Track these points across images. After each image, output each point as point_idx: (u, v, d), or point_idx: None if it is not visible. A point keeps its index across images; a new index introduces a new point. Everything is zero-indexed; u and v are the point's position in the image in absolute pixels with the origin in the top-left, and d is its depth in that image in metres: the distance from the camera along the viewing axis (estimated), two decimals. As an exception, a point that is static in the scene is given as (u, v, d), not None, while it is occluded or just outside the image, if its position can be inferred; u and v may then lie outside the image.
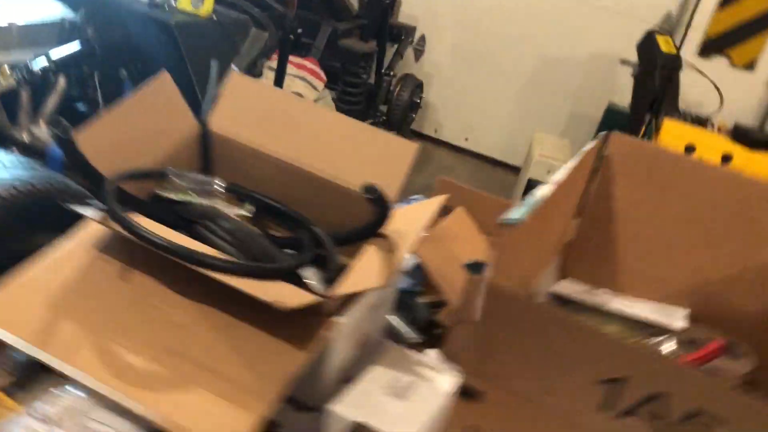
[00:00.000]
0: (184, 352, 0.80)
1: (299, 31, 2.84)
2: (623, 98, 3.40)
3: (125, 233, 0.82)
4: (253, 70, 1.82)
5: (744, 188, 0.76)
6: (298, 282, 0.95)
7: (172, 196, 1.00)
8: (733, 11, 3.46)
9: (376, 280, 0.84)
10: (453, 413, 0.57)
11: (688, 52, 3.44)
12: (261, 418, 0.75)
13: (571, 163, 0.67)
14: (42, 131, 1.61)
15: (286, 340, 0.83)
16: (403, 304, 1.16)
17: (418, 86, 3.55)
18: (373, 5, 3.21)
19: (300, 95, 2.66)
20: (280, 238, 1.08)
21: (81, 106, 1.81)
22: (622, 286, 0.84)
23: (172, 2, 1.70)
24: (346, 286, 0.86)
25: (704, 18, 3.49)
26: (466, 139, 4.26)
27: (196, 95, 1.48)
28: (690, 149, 2.46)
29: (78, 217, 0.90)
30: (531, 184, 3.29)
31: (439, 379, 0.87)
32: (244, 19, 1.80)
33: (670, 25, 3.47)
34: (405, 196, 1.17)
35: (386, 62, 3.34)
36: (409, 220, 0.95)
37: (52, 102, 1.74)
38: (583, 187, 0.81)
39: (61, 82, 1.74)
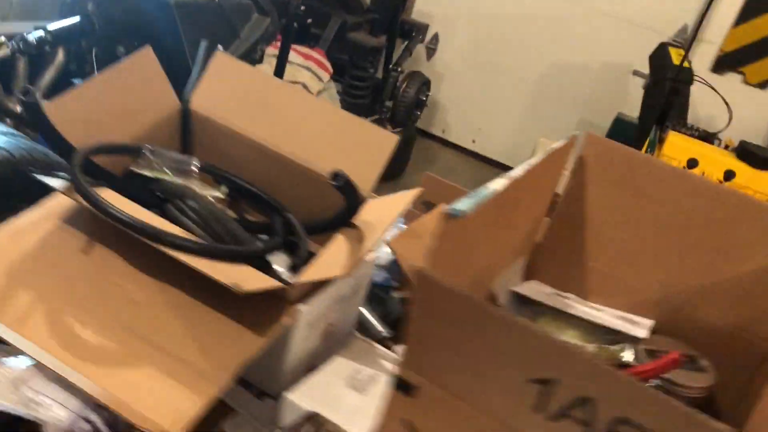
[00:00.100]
0: (137, 329, 0.79)
1: (309, 21, 2.84)
2: (633, 109, 3.37)
3: (88, 206, 0.81)
4: (252, 55, 1.81)
5: (720, 199, 0.74)
6: (266, 267, 0.94)
7: (146, 172, 0.99)
8: (750, 28, 3.41)
9: (338, 270, 0.83)
10: (390, 406, 0.55)
11: (702, 67, 3.39)
12: (209, 401, 0.74)
13: (533, 160, 0.66)
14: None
15: (244, 325, 0.82)
16: (377, 298, 1.15)
17: (425, 84, 3.52)
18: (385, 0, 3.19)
19: (304, 85, 2.65)
20: (254, 222, 1.07)
21: (78, 82, 1.80)
22: (590, 291, 0.82)
23: (175, -18, 1.69)
24: (308, 274, 0.85)
25: (720, 33, 3.45)
26: (473, 141, 4.24)
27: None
28: (693, 163, 2.44)
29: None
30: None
31: (400, 375, 0.85)
32: (246, 3, 1.79)
33: (684, 39, 3.43)
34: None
35: (395, 58, 3.32)
36: (381, 212, 0.94)
37: (49, 75, 1.74)
38: (552, 188, 0.79)
39: (60, 55, 1.74)
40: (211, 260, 0.82)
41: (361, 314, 1.09)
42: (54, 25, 1.63)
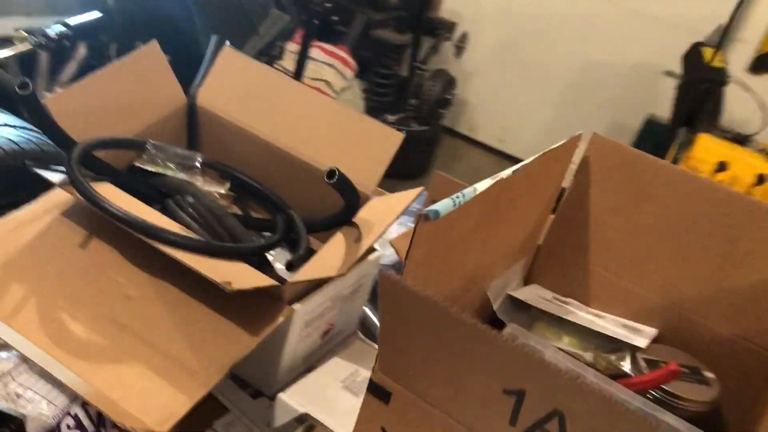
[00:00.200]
0: (129, 325, 0.78)
1: (334, 18, 2.83)
2: (664, 111, 3.29)
3: (83, 200, 0.81)
4: (270, 51, 1.80)
5: (728, 203, 0.71)
6: (264, 265, 0.93)
7: (149, 167, 0.98)
8: (790, 28, 3.30)
9: (333, 270, 0.81)
10: (367, 412, 0.53)
11: (737, 67, 3.29)
12: (197, 401, 0.73)
13: (527, 160, 0.63)
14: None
15: (237, 323, 0.81)
16: (382, 298, 1.13)
17: (450, 82, 3.49)
18: (412, -3, 3.17)
19: (327, 83, 2.64)
20: (257, 219, 1.06)
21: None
22: (592, 297, 0.79)
23: (195, -22, 1.70)
24: (303, 273, 0.83)
25: (757, 33, 3.35)
26: (501, 141, 4.19)
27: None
28: (722, 167, 2.37)
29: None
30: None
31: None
32: (266, -1, 1.79)
33: (720, 38, 3.34)
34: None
35: (421, 56, 3.30)
36: (382, 211, 0.92)
37: (70, 69, 1.76)
38: (556, 189, 0.76)
39: (81, 50, 1.75)
40: (205, 257, 0.81)
41: (364, 314, 1.08)
42: (74, 20, 1.65)
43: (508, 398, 0.43)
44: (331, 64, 2.70)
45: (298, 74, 2.20)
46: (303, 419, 0.83)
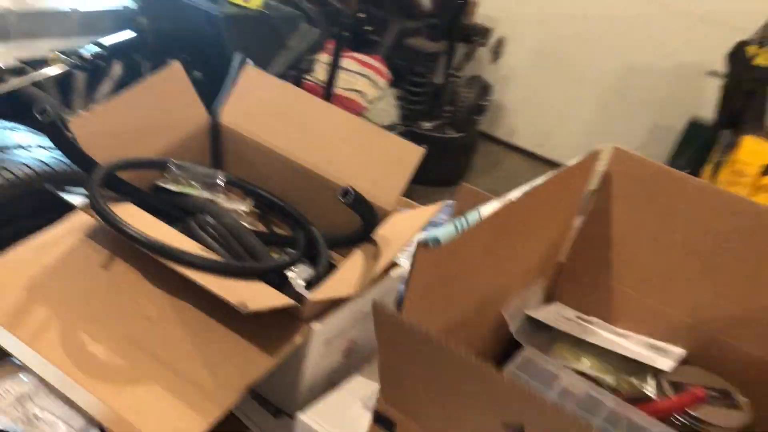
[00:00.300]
0: (148, 346, 0.79)
1: (368, 28, 2.83)
2: (708, 112, 3.20)
3: (102, 221, 0.82)
4: (299, 64, 1.81)
5: (757, 219, 0.67)
6: (283, 283, 0.93)
7: (172, 187, 0.99)
8: (841, 22, 3.17)
9: (349, 289, 0.81)
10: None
11: (785, 66, 3.18)
12: (213, 423, 0.73)
13: (539, 180, 0.61)
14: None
15: (255, 343, 0.81)
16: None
17: (485, 89, 3.45)
18: (446, 5, 3.15)
19: (360, 92, 2.64)
20: (279, 235, 1.06)
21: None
22: (617, 315, 0.76)
23: (225, -6, 1.72)
24: (320, 292, 0.83)
25: (806, 29, 3.22)
26: (541, 145, 4.13)
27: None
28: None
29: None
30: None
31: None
32: (295, 13, 1.79)
33: (765, 36, 3.23)
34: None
35: (455, 63, 3.27)
36: (402, 228, 0.91)
37: (106, 87, 1.80)
38: (575, 206, 0.74)
39: (117, 68, 1.79)
40: (223, 277, 0.81)
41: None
42: (108, 40, 1.68)
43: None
44: (364, 74, 2.70)
45: (329, 85, 2.20)
46: (322, 440, 0.82)
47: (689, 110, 3.44)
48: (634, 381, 0.69)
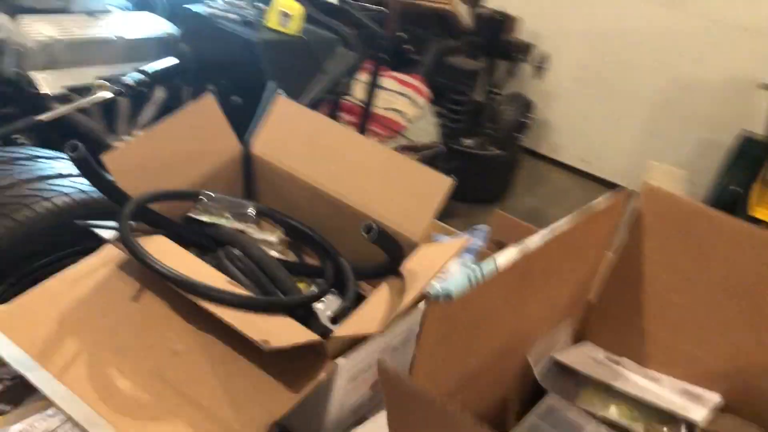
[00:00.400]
0: (174, 381, 0.79)
1: (410, 48, 2.84)
2: (759, 126, 3.09)
3: (129, 255, 0.83)
4: (336, 88, 1.82)
5: (798, 260, 0.64)
6: (309, 317, 0.93)
7: (204, 218, 1.00)
8: None
9: (373, 326, 0.80)
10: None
11: (842, 79, 3.06)
12: (235, 460, 0.73)
13: (563, 223, 0.59)
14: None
15: (279, 379, 0.81)
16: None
17: (527, 106, 3.41)
18: (487, 22, 3.13)
19: (400, 111, 2.64)
20: (309, 266, 1.06)
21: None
22: (649, 357, 0.73)
23: (263, 21, 1.74)
24: (344, 328, 0.82)
25: None
26: (586, 162, 4.05)
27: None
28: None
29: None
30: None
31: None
32: (331, 38, 1.81)
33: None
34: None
35: (496, 80, 3.25)
36: (429, 261, 0.90)
37: (149, 112, 1.84)
38: (602, 247, 0.72)
39: (159, 93, 1.83)
40: (248, 312, 0.81)
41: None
42: (151, 67, 1.72)
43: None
44: (404, 93, 2.70)
45: (367, 105, 2.21)
46: (347, 478, 0.81)
47: (740, 124, 3.34)
48: (666, 431, 0.66)
